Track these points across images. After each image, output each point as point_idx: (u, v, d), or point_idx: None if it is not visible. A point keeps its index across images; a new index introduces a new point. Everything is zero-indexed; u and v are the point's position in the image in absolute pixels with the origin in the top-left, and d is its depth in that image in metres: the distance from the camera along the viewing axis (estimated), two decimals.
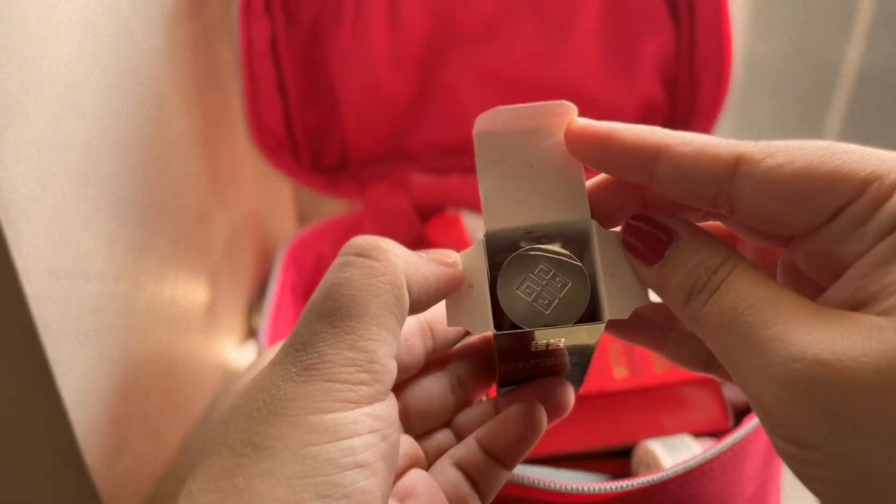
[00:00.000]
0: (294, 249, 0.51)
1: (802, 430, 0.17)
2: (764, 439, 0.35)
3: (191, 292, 0.48)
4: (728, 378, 0.24)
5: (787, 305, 0.18)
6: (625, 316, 0.21)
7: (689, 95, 0.54)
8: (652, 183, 0.21)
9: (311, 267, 0.52)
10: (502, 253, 0.22)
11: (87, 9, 0.35)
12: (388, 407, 0.20)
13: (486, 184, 0.22)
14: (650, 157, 0.20)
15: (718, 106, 0.53)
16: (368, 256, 0.20)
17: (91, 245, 0.35)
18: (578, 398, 0.43)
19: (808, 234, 0.20)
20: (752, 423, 0.34)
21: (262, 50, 0.51)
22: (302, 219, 0.68)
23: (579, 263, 0.21)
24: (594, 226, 0.22)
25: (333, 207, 0.62)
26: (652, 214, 0.21)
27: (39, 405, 0.33)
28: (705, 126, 0.54)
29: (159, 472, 0.49)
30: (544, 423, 0.25)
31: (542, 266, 0.21)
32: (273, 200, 0.65)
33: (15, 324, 0.30)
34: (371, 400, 0.19)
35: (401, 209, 0.56)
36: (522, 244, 0.22)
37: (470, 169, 0.65)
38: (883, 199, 0.18)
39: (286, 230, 0.68)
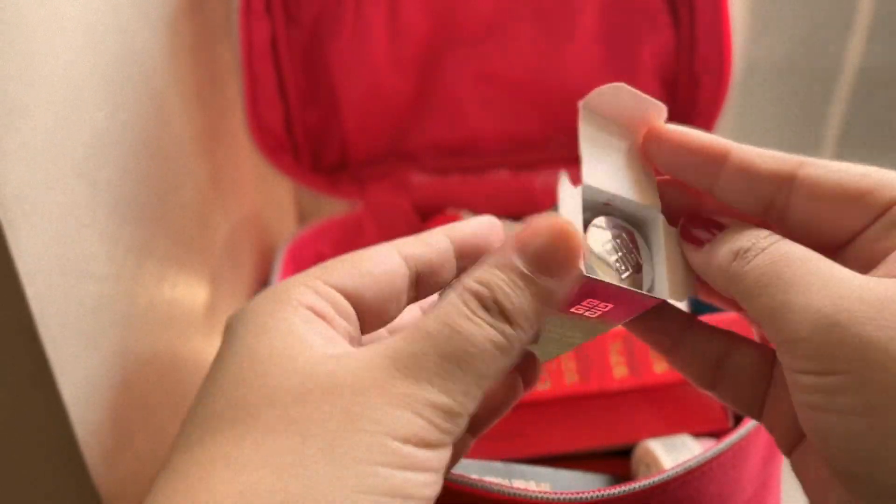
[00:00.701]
0: (294, 249, 0.51)
1: (836, 357, 0.18)
2: (764, 439, 0.35)
3: (191, 292, 0.48)
4: (731, 400, 0.25)
5: (832, 262, 0.20)
6: (681, 299, 0.22)
7: (689, 95, 0.54)
8: (715, 184, 0.23)
9: (311, 267, 0.52)
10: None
11: (88, 9, 0.35)
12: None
13: (585, 145, 0.23)
14: (718, 156, 0.22)
15: (718, 106, 0.53)
16: None
17: (92, 245, 0.35)
18: (579, 398, 0.43)
19: (852, 240, 0.21)
20: (752, 422, 0.34)
21: (262, 50, 0.51)
22: (302, 219, 0.68)
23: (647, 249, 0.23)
24: (662, 219, 0.23)
25: (333, 207, 0.62)
26: (705, 213, 0.23)
27: (39, 405, 0.33)
28: (705, 126, 0.54)
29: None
30: (521, 392, 0.25)
31: (624, 235, 0.23)
32: (273, 200, 0.66)
33: (15, 324, 0.31)
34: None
35: (401, 209, 0.56)
36: (585, 215, 0.23)
37: (470, 169, 0.65)
38: None
39: (286, 230, 0.68)
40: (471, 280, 0.20)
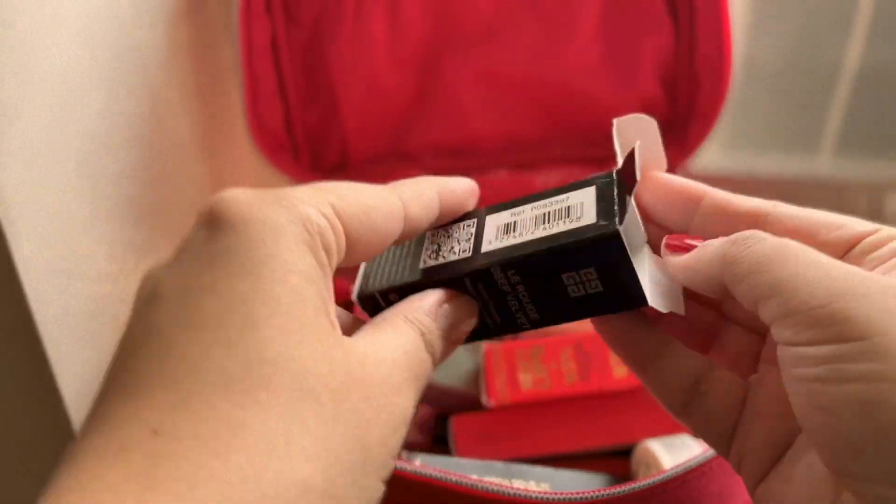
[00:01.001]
0: None
1: (852, 323, 0.18)
2: None
3: None
4: (701, 428, 0.24)
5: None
6: (664, 310, 0.23)
7: (688, 95, 0.54)
8: (691, 223, 0.24)
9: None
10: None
11: (88, 10, 0.35)
12: None
13: (619, 146, 0.25)
14: (695, 197, 0.24)
15: (718, 106, 0.53)
16: None
17: (91, 246, 0.35)
18: (579, 398, 0.43)
19: None
20: None
21: (262, 50, 0.51)
22: None
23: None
24: (647, 247, 0.24)
25: None
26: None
27: (40, 404, 0.33)
28: (705, 126, 0.54)
29: None
30: None
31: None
32: None
33: (15, 323, 0.31)
34: None
35: None
36: None
37: (470, 169, 0.65)
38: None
39: None
40: (413, 312, 0.23)
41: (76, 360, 0.34)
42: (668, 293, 0.24)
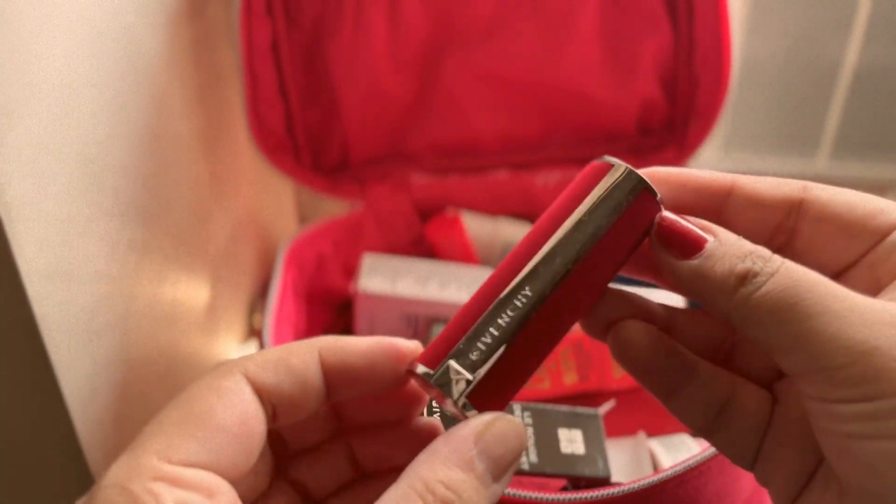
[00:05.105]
0: (295, 249, 0.51)
1: (882, 381, 0.17)
2: None
3: (191, 292, 0.48)
4: (727, 448, 0.23)
5: (845, 287, 0.19)
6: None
7: (688, 96, 0.55)
8: (720, 219, 0.22)
9: (312, 267, 0.53)
10: None
11: (89, 10, 0.35)
12: None
13: None
14: (722, 191, 0.22)
15: (717, 106, 0.53)
16: None
17: (92, 246, 0.35)
18: (579, 398, 0.43)
19: (853, 265, 0.21)
20: None
21: (263, 51, 0.51)
22: (302, 219, 0.68)
23: None
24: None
25: (333, 207, 0.62)
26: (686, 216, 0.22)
27: (41, 405, 0.33)
28: (705, 126, 0.54)
29: None
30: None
31: None
32: (273, 200, 0.66)
33: (17, 325, 0.31)
34: None
35: (401, 209, 0.56)
36: None
37: (470, 169, 0.65)
38: None
39: (287, 230, 0.68)
40: (438, 483, 0.18)
41: (78, 359, 0.34)
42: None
